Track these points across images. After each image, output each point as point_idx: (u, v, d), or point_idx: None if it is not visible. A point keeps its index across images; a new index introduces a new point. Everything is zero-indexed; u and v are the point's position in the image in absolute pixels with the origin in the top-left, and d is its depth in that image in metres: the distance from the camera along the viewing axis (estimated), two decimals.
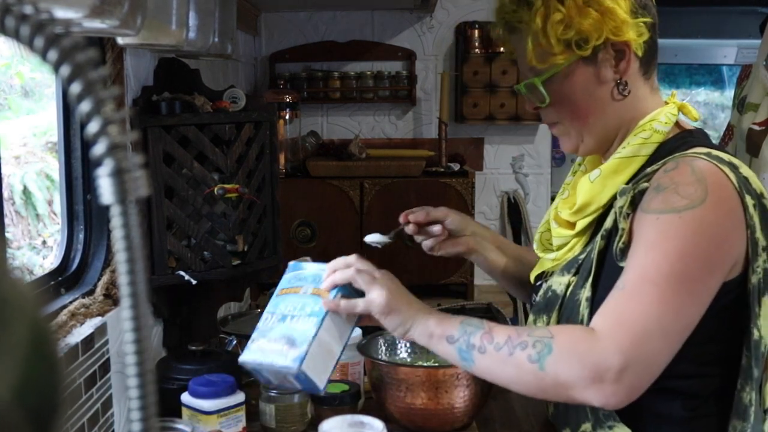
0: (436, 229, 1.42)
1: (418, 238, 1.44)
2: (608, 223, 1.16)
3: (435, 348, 1.14)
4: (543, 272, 1.30)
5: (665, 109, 1.22)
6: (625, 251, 1.11)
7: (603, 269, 1.15)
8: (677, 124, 1.22)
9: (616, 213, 1.14)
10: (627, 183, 1.17)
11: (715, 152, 1.13)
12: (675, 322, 1.05)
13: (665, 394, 1.15)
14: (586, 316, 1.13)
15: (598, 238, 1.16)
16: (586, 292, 1.15)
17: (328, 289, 1.22)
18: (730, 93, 3.46)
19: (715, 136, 4.03)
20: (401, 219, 1.44)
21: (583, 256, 1.19)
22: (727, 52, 3.44)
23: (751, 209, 1.09)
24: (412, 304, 1.18)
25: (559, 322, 1.19)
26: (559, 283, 1.21)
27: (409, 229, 1.42)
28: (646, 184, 1.13)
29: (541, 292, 1.26)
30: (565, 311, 1.18)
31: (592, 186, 1.22)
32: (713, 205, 1.07)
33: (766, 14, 2.86)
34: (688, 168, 1.10)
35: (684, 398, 1.14)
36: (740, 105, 2.38)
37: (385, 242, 1.43)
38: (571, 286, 1.18)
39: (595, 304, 1.13)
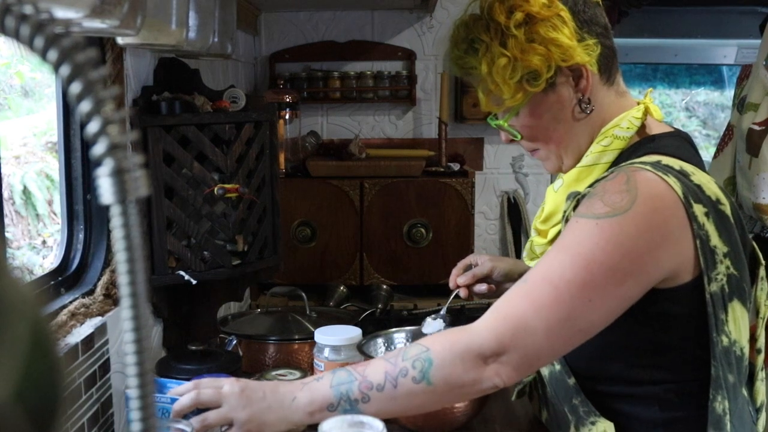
0: (483, 289, 1.48)
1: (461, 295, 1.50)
2: (563, 227, 1.17)
3: (320, 420, 1.10)
4: None
5: (629, 114, 1.21)
6: None
7: None
8: (643, 128, 1.21)
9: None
10: None
11: (666, 160, 1.11)
12: (563, 325, 1.05)
13: (641, 400, 1.15)
14: None
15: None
16: None
17: (177, 415, 1.14)
18: (730, 93, 3.46)
19: (715, 136, 4.03)
20: (451, 285, 1.51)
21: None
22: (727, 52, 3.44)
23: (702, 218, 1.07)
24: (268, 396, 1.12)
25: None
26: None
27: (462, 294, 1.49)
28: (589, 190, 1.14)
29: None
30: None
31: (556, 195, 1.24)
32: (637, 216, 1.05)
33: (766, 14, 2.86)
34: (624, 177, 1.09)
35: (661, 402, 1.14)
36: (740, 105, 2.38)
37: (447, 325, 1.48)
38: None
39: None
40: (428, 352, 1.08)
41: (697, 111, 4.18)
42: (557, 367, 1.21)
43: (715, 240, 1.08)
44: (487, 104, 1.24)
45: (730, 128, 2.48)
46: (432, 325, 1.49)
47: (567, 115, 1.21)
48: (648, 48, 3.44)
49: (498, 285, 1.51)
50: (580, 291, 1.04)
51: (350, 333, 1.49)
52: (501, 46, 1.16)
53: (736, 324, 1.10)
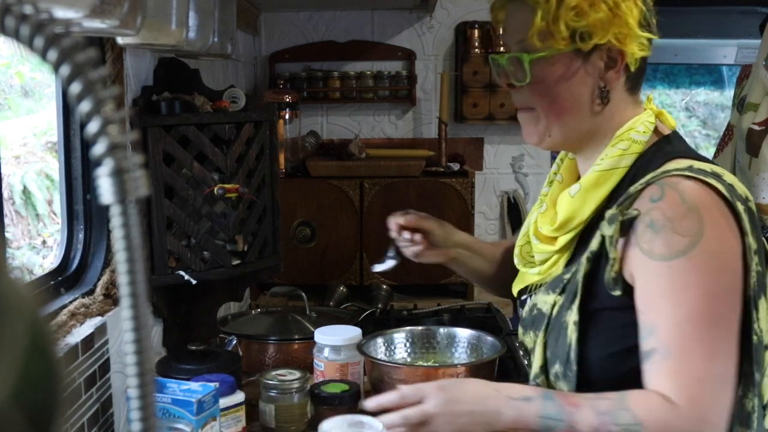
0: (417, 237, 1.44)
1: (400, 244, 1.46)
2: (594, 245, 1.13)
3: None
4: (527, 286, 1.28)
5: (642, 118, 1.20)
6: (617, 280, 1.10)
7: (589, 292, 1.13)
8: (655, 131, 1.20)
9: (605, 240, 1.11)
10: (608, 196, 1.16)
11: (696, 164, 1.11)
12: (728, 363, 1.07)
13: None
14: (574, 341, 1.12)
15: (584, 260, 1.14)
16: (573, 316, 1.13)
17: None
18: (730, 93, 3.46)
19: (715, 136, 4.03)
20: (392, 228, 1.45)
21: (567, 276, 1.16)
22: (727, 52, 3.44)
23: (743, 214, 1.08)
24: (475, 411, 1.13)
25: (546, 341, 1.17)
26: (544, 301, 1.19)
27: (394, 232, 1.44)
28: (635, 212, 1.10)
29: (527, 308, 1.25)
30: (552, 331, 1.17)
31: (573, 201, 1.19)
32: (711, 231, 1.06)
33: (766, 14, 2.86)
34: (676, 196, 1.08)
35: None
36: (740, 105, 2.38)
37: (394, 264, 1.47)
38: (557, 306, 1.16)
39: (582, 328, 1.12)
40: (640, 427, 1.05)
41: (697, 111, 4.18)
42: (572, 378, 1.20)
43: (749, 238, 1.09)
44: (535, 34, 1.16)
45: (730, 128, 2.48)
46: (381, 266, 1.49)
47: (583, 94, 1.18)
48: None
49: (433, 245, 1.46)
50: (717, 327, 1.06)
51: (350, 333, 1.49)
52: None
53: (764, 320, 1.11)
